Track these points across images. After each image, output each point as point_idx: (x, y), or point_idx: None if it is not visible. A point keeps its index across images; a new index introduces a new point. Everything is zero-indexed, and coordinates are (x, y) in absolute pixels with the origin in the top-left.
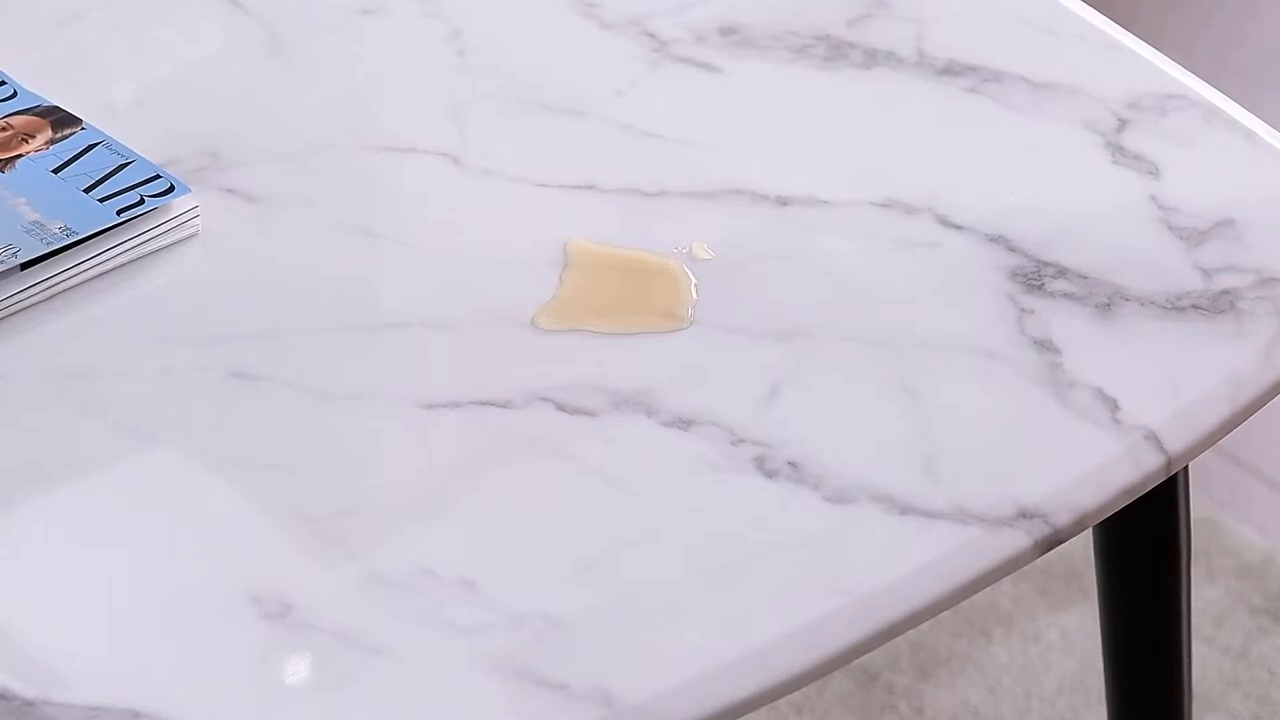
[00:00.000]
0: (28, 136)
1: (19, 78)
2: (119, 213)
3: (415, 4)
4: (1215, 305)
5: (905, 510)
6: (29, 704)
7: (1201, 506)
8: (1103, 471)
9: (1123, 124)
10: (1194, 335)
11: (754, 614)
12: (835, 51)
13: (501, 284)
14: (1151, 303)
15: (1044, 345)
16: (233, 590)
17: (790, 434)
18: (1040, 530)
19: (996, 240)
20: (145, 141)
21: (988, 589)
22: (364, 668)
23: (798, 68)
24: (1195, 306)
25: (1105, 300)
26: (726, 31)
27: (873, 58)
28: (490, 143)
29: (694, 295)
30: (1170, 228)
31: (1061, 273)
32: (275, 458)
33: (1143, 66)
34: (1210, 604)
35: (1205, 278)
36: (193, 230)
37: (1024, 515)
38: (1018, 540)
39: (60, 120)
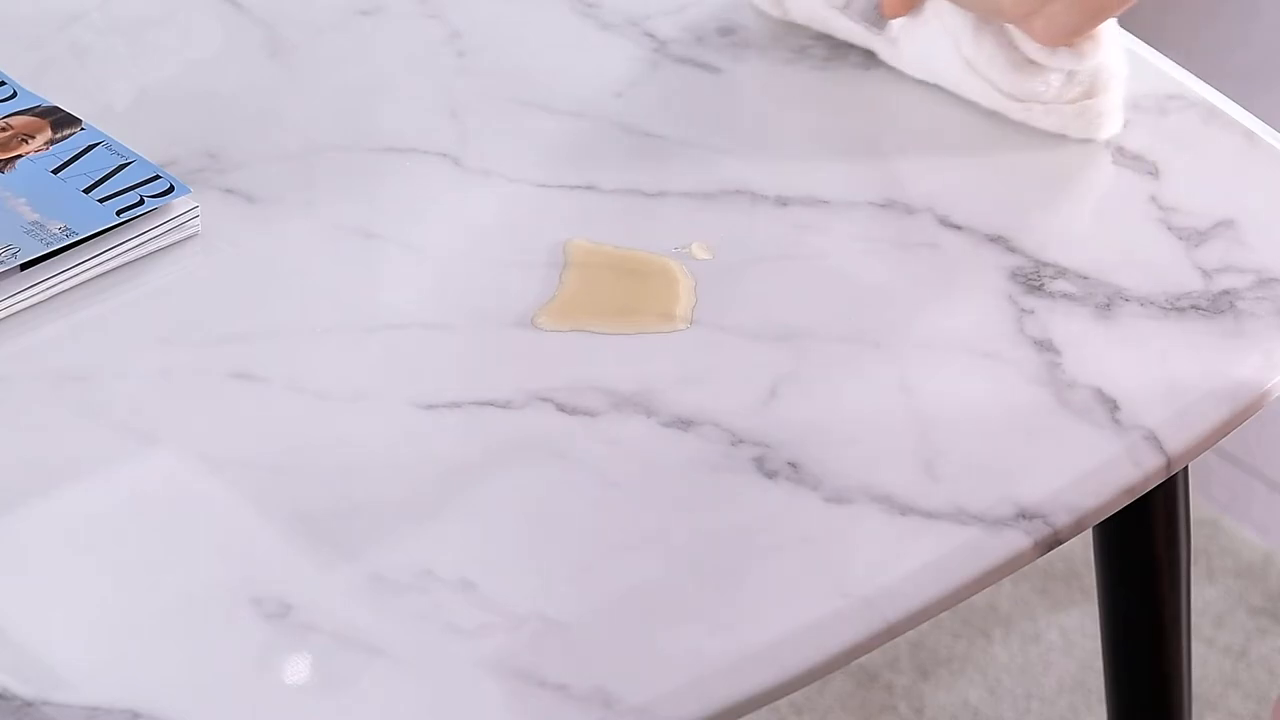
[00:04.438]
0: (28, 136)
1: (19, 78)
2: (119, 213)
3: (415, 4)
4: (1215, 305)
5: (905, 510)
6: (29, 704)
7: (1201, 506)
8: (1103, 471)
9: (1123, 124)
10: (1194, 335)
11: (754, 614)
12: (835, 52)
13: (501, 284)
14: (1151, 303)
15: (1044, 345)
16: (233, 590)
17: (790, 434)
18: (1040, 530)
19: (996, 240)
20: (145, 141)
21: (988, 589)
22: (364, 668)
23: (798, 68)
24: (1195, 306)
25: (1105, 300)
26: (726, 31)
27: (873, 58)
28: (490, 143)
29: (694, 295)
30: (1170, 228)
31: (1061, 273)
32: (275, 458)
33: (1142, 66)
34: (1210, 604)
35: (1205, 278)
36: (193, 230)
37: (1024, 515)
38: (1018, 540)
39: (60, 120)
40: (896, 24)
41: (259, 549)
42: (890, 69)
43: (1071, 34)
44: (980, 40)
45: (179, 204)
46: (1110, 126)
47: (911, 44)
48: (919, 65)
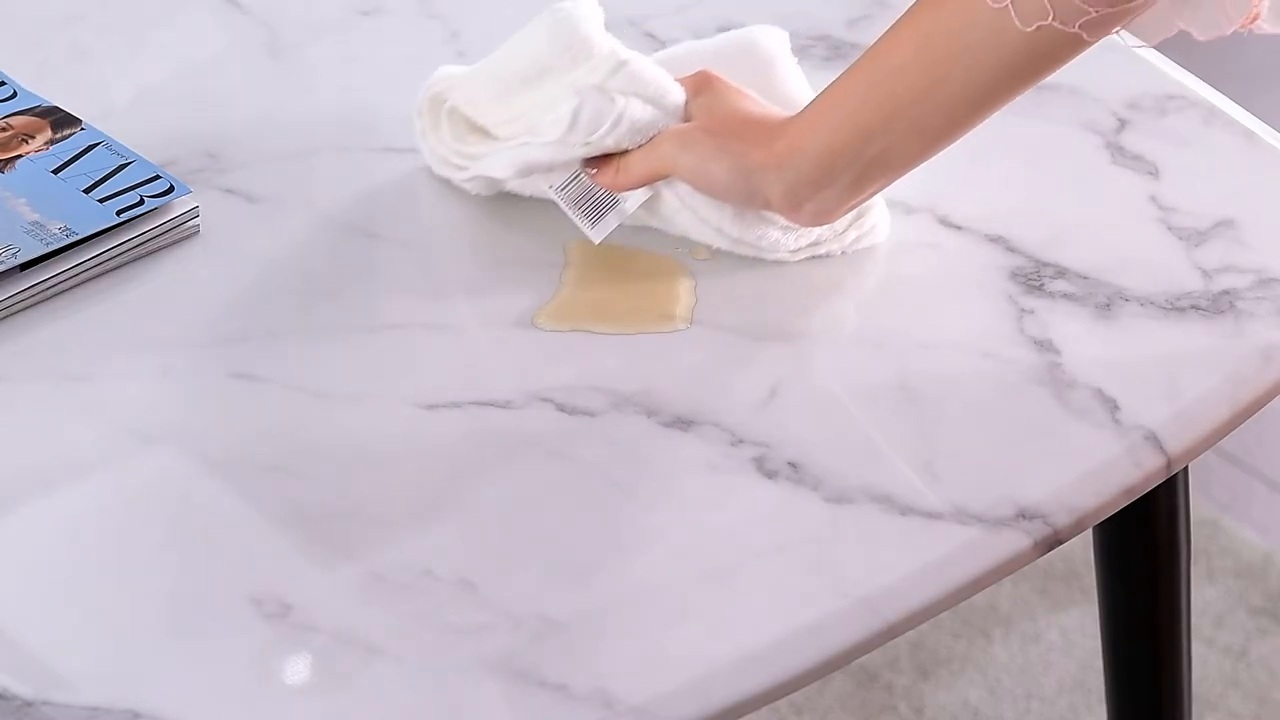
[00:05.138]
0: (28, 137)
1: (19, 78)
2: (119, 213)
3: (415, 4)
4: (1215, 305)
5: (905, 510)
6: (29, 704)
7: (1201, 506)
8: (1103, 471)
9: (1122, 124)
10: (1194, 335)
11: (754, 614)
12: (835, 52)
13: (501, 284)
14: (1151, 303)
15: (1044, 345)
16: (233, 590)
17: (790, 434)
18: (1040, 530)
19: (996, 240)
20: (145, 142)
21: (988, 589)
22: (364, 668)
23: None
24: (1195, 306)
25: (1105, 300)
26: (726, 31)
27: None
28: None
29: (694, 295)
30: (1170, 228)
31: (1061, 273)
32: (275, 458)
33: (1142, 67)
34: (1210, 604)
35: (1205, 278)
36: (193, 230)
37: (1024, 515)
38: (1018, 540)
39: (60, 120)
40: (638, 209)
41: (259, 549)
42: None
43: (842, 214)
44: (742, 219)
45: (179, 204)
46: (884, 231)
47: (669, 226)
48: (681, 232)
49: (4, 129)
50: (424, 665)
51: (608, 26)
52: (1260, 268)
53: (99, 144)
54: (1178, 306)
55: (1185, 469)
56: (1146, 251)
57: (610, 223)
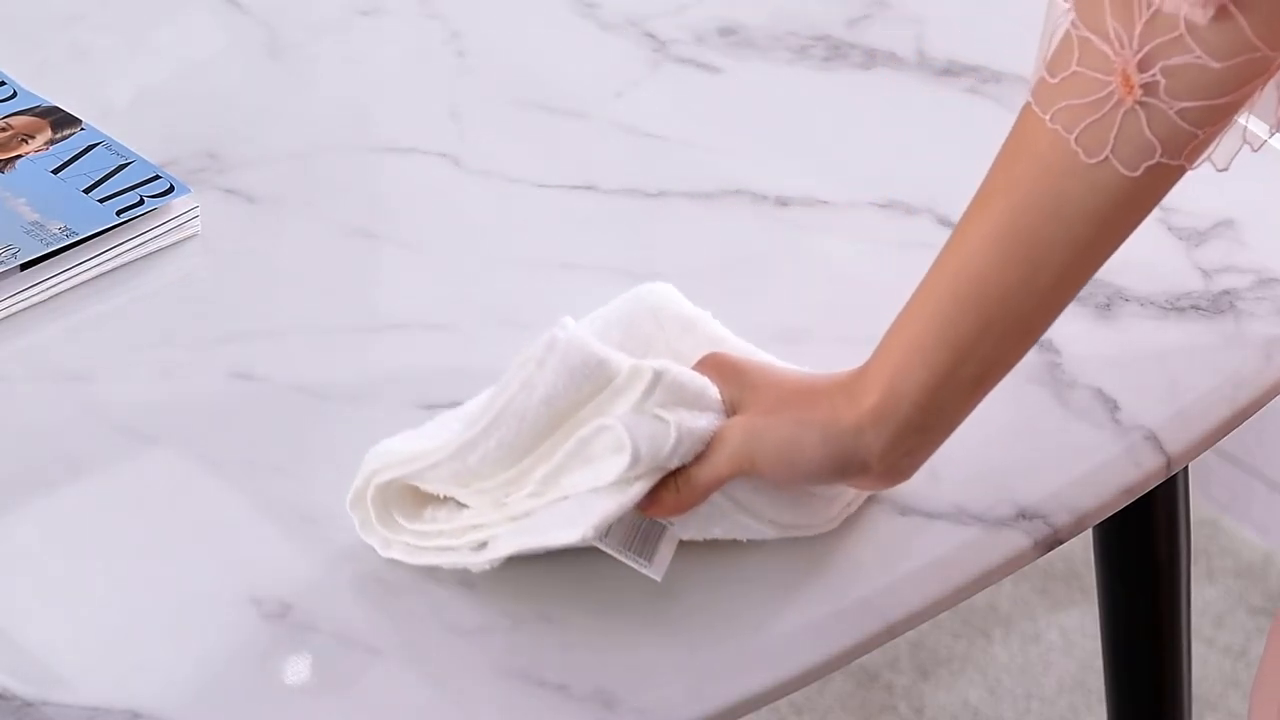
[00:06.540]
0: (28, 137)
1: (19, 78)
2: (119, 213)
3: (415, 5)
4: (1215, 305)
5: (905, 510)
6: (29, 704)
7: (1201, 506)
8: (1103, 471)
9: None
10: (1194, 335)
11: (754, 614)
12: (835, 52)
13: (501, 284)
14: (1151, 303)
15: (1043, 345)
16: (233, 590)
17: None
18: (1040, 530)
19: None
20: (145, 142)
21: (988, 589)
22: (364, 668)
23: (798, 68)
24: (1195, 306)
25: (1105, 300)
26: (726, 32)
27: (873, 58)
28: (490, 143)
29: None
30: (1170, 228)
31: None
32: (275, 458)
33: None
34: (1210, 604)
35: (1205, 278)
36: (193, 230)
37: (1024, 515)
38: (1018, 540)
39: (60, 120)
40: (689, 529)
41: (259, 549)
42: (890, 69)
43: (928, 457)
44: (796, 503)
45: (179, 204)
46: None
47: (701, 534)
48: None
49: (4, 129)
50: (424, 665)
51: (609, 27)
52: (1260, 268)
53: (99, 144)
54: (1178, 306)
55: (1185, 469)
56: (1146, 251)
57: (665, 555)
